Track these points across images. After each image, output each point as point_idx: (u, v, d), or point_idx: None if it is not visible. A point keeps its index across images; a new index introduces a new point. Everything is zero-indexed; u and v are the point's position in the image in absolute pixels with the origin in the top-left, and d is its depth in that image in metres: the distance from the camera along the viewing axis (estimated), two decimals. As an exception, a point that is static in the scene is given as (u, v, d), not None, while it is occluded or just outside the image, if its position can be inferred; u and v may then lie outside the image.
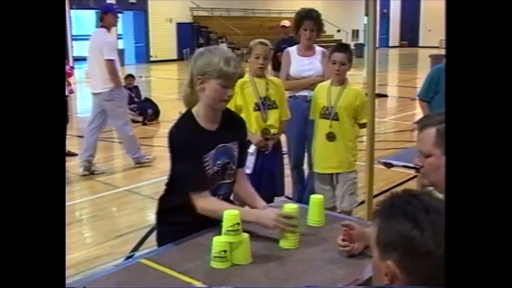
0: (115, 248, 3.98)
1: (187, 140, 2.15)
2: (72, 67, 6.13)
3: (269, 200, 2.82)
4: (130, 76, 9.88)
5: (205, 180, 2.18)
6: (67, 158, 6.01)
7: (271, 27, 21.35)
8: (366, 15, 3.54)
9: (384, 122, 8.98)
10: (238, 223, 1.91)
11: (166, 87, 15.17)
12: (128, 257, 3.65)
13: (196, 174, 2.14)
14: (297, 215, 2.09)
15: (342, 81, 3.61)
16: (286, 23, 7.57)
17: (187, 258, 1.94)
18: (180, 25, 23.55)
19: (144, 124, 8.96)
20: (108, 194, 5.39)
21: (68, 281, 1.57)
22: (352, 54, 3.67)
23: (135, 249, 3.93)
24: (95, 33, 6.05)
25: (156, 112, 9.42)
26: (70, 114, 7.82)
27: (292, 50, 4.31)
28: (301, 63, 4.23)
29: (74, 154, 6.17)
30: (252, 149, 3.48)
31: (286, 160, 4.22)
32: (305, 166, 4.40)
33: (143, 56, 22.61)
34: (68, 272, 2.57)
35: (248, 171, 3.23)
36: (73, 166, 6.09)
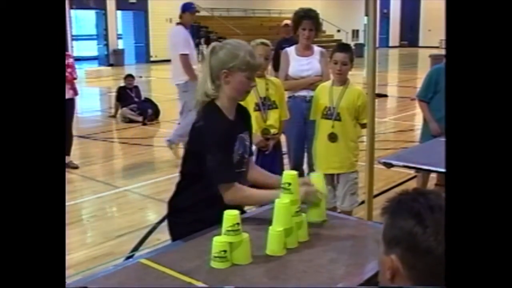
0: (115, 248, 3.98)
1: (224, 132, 2.20)
2: (74, 69, 6.18)
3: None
4: (130, 76, 9.89)
5: (235, 170, 2.26)
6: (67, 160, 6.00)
7: (271, 27, 21.34)
8: (366, 15, 3.53)
9: (384, 122, 8.98)
10: (238, 223, 1.90)
11: (166, 87, 15.07)
12: (128, 257, 3.65)
13: (232, 164, 2.22)
14: (323, 184, 2.25)
15: (343, 81, 3.60)
16: (289, 21, 7.58)
17: (187, 258, 1.94)
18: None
19: (144, 124, 8.96)
20: (108, 194, 5.38)
21: (68, 281, 1.57)
22: (353, 54, 3.65)
23: (135, 249, 3.94)
24: (172, 30, 6.66)
25: (156, 112, 9.42)
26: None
27: (291, 50, 4.30)
28: (300, 63, 4.23)
29: (76, 167, 6.18)
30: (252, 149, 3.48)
31: (286, 160, 4.22)
32: (305, 166, 4.40)
33: (143, 56, 22.60)
34: (68, 272, 2.57)
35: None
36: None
